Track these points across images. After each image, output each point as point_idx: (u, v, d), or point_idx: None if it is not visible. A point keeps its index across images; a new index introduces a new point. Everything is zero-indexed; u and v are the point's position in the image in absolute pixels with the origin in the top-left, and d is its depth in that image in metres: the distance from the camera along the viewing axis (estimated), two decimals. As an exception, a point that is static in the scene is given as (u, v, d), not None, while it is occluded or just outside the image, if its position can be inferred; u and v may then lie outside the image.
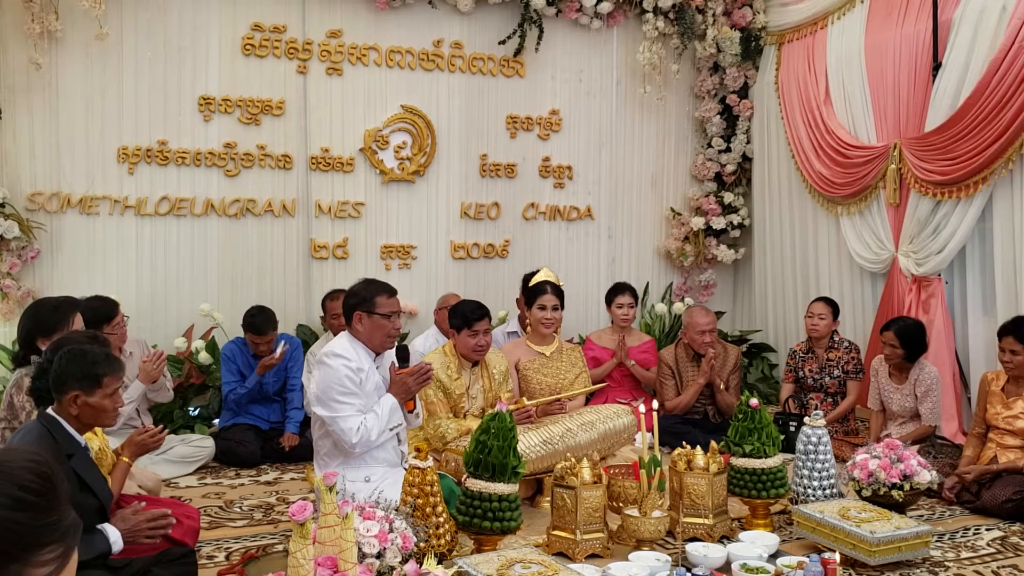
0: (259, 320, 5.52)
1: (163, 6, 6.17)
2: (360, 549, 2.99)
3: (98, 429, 3.56)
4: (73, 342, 3.22)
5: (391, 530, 3.14)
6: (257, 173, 6.48)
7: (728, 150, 7.71)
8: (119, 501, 3.47)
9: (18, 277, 5.79)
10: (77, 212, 6.05)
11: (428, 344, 5.80)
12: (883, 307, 6.18)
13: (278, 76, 6.51)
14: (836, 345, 5.78)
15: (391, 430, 3.93)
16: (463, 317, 4.49)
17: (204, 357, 6.05)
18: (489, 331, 4.59)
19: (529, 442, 4.30)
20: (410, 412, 4.08)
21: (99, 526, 2.93)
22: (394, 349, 4.07)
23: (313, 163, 6.61)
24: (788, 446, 4.72)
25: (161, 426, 3.69)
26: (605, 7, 7.19)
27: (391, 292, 4.01)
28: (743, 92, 7.66)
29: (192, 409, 5.97)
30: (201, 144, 6.34)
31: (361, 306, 3.95)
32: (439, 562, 3.22)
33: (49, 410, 2.98)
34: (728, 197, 7.71)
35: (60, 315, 4.07)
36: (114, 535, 2.91)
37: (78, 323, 4.11)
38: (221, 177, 6.40)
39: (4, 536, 1.18)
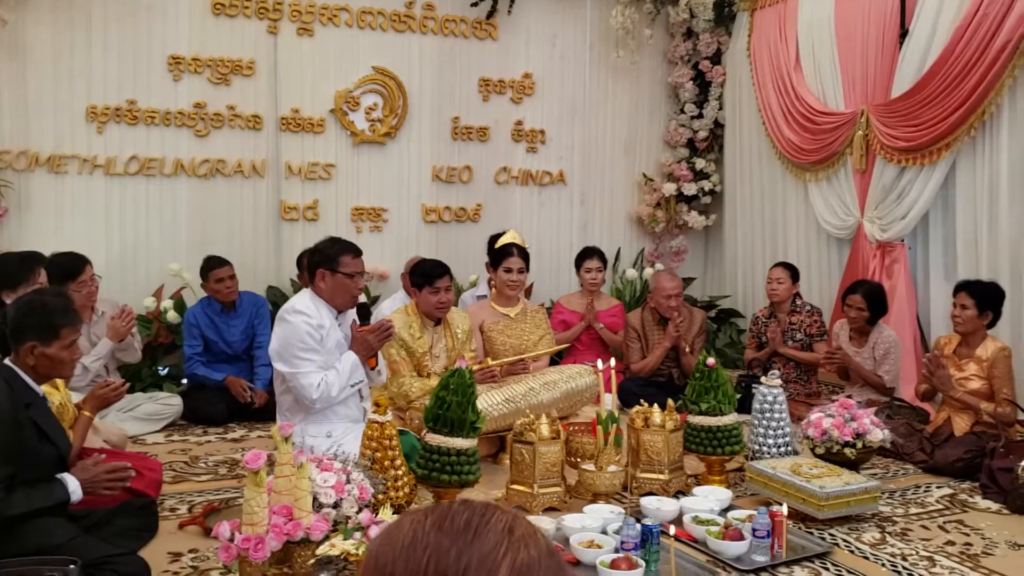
0: (212, 259, 5.62)
1: (131, -38, 6.12)
2: (317, 499, 3.04)
3: (60, 385, 3.60)
4: (38, 296, 3.24)
5: (348, 481, 3.19)
6: (227, 133, 6.46)
7: (700, 116, 7.74)
8: (81, 454, 3.51)
9: (-15, 235, 5.78)
10: (45, 171, 6.03)
11: (395, 306, 5.82)
12: (848, 272, 6.26)
13: (248, 36, 6.47)
14: (798, 309, 5.87)
15: (352, 386, 3.99)
16: (424, 275, 4.54)
17: (173, 316, 6.06)
18: (451, 288, 4.64)
19: (492, 400, 4.36)
20: (372, 369, 4.13)
21: (58, 475, 2.97)
22: (355, 307, 4.11)
23: (283, 124, 6.60)
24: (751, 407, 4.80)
25: (123, 380, 3.73)
26: (579, -30, 7.18)
27: (356, 252, 4.04)
28: (716, 58, 7.68)
29: (161, 368, 5.99)
30: (171, 104, 6.31)
31: (325, 264, 3.98)
32: (395, 513, 3.29)
33: (6, 361, 3.00)
34: (700, 163, 7.75)
35: (24, 269, 4.09)
36: (73, 484, 2.96)
37: (42, 278, 4.12)
38: (191, 137, 6.38)
39: None
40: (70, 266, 4.74)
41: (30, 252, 4.28)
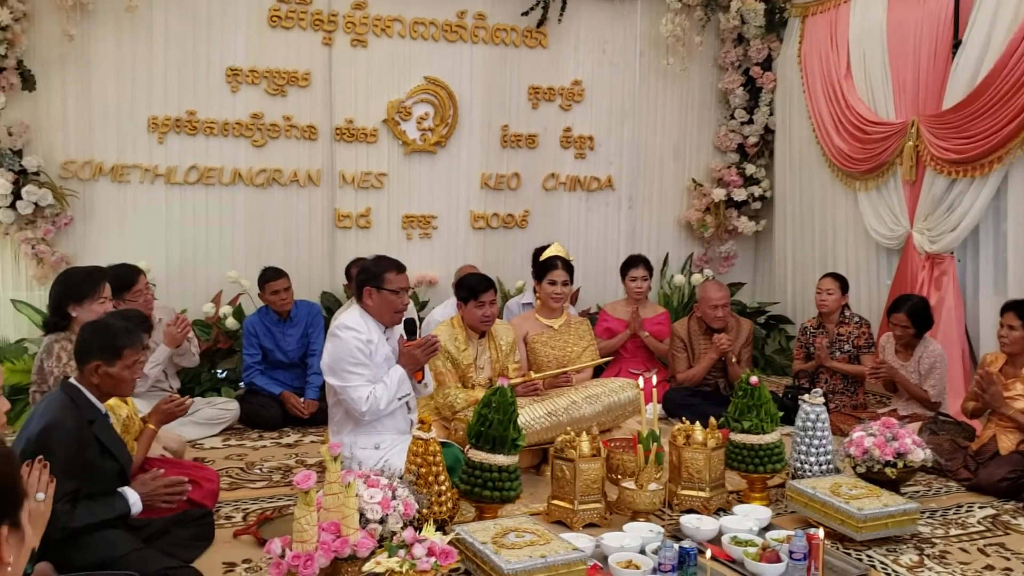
0: (268, 271, 5.83)
1: (191, -22, 6.31)
2: (364, 515, 3.17)
3: (128, 397, 3.79)
4: (104, 319, 3.43)
5: (394, 497, 3.31)
6: (283, 143, 6.65)
7: (751, 122, 7.73)
8: (144, 464, 3.70)
9: (52, 243, 6.03)
10: (108, 180, 6.27)
11: (447, 313, 5.93)
12: (897, 283, 6.22)
13: (304, 48, 6.64)
14: (847, 320, 5.86)
15: (399, 399, 4.11)
16: (469, 289, 4.65)
17: (231, 323, 6.27)
18: (495, 302, 4.74)
19: (534, 414, 4.46)
20: (419, 382, 4.25)
21: (119, 489, 3.14)
22: (403, 322, 4.24)
23: (337, 134, 6.76)
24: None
25: (188, 397, 3.92)
26: (629, -22, 7.21)
27: (400, 269, 4.17)
28: (767, 64, 7.66)
29: (219, 372, 6.21)
30: (229, 114, 6.51)
31: (371, 282, 4.12)
32: (440, 529, 3.41)
33: (71, 379, 3.18)
34: (750, 169, 7.74)
35: (90, 283, 4.24)
36: (133, 498, 3.13)
37: (106, 292, 4.31)
38: (248, 147, 6.57)
39: None
40: (125, 277, 4.90)
41: (94, 267, 4.46)
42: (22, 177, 5.85)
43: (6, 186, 5.75)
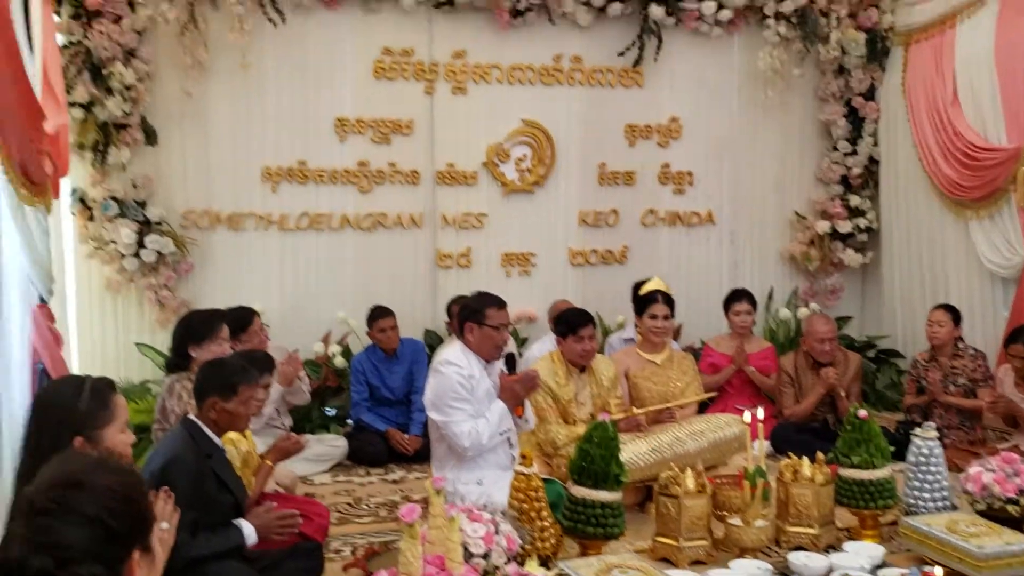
0: (376, 310, 6.03)
1: (301, 36, 6.62)
2: (467, 549, 3.22)
3: (248, 434, 3.97)
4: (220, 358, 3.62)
5: (497, 532, 3.36)
6: (388, 189, 6.88)
7: (854, 153, 7.59)
8: (259, 499, 3.85)
9: (173, 289, 6.36)
10: (226, 228, 6.59)
11: (544, 349, 5.98)
12: (1015, 313, 5.98)
13: (407, 97, 6.87)
14: (961, 353, 5.66)
15: (501, 434, 4.17)
16: (568, 323, 4.70)
17: (340, 361, 6.47)
18: (595, 337, 4.76)
19: (637, 449, 4.45)
20: (519, 417, 4.30)
21: (235, 521, 3.28)
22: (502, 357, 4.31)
23: (439, 178, 6.95)
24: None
25: (305, 436, 4.08)
26: (725, 15, 7.20)
27: (500, 305, 4.25)
28: (869, 94, 7.52)
29: (328, 410, 6.40)
30: (337, 162, 6.78)
31: (472, 317, 4.21)
32: (543, 564, 3.43)
33: (191, 415, 3.35)
34: (855, 200, 7.59)
35: (209, 325, 4.46)
36: (248, 529, 3.26)
37: (224, 333, 4.52)
38: (355, 193, 6.83)
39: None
40: (241, 319, 5.14)
41: (213, 310, 4.70)
42: (146, 227, 6.22)
43: (131, 235, 6.11)
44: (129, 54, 6.07)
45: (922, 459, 4.19)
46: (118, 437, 2.47)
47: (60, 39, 5.75)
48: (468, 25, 6.94)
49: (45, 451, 2.34)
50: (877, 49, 7.40)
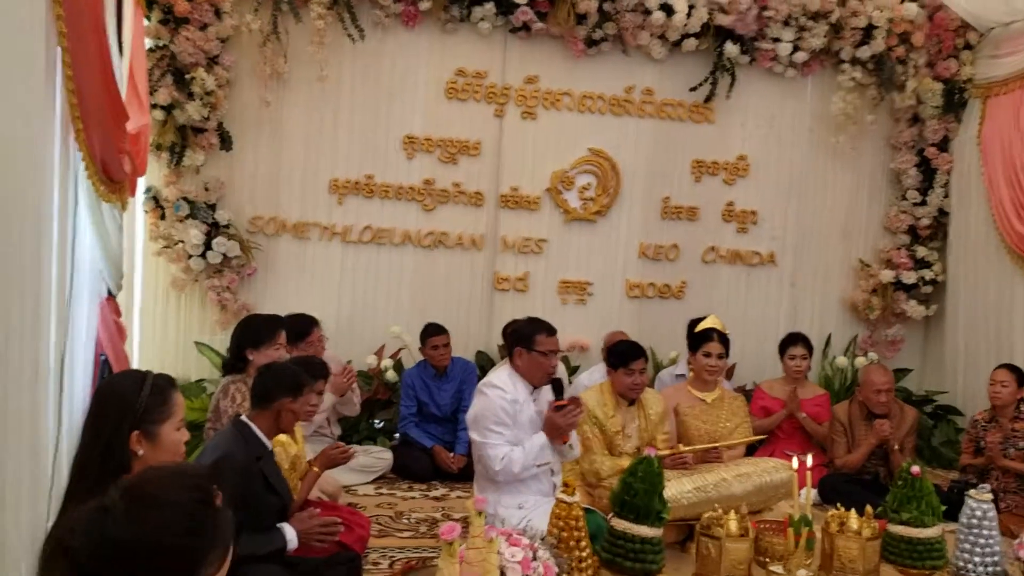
0: (431, 327, 6.10)
1: (378, 52, 6.75)
2: (504, 573, 3.22)
3: (299, 438, 4.03)
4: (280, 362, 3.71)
5: (535, 558, 3.35)
6: (451, 208, 6.95)
7: (923, 203, 7.46)
8: (303, 505, 3.90)
9: (235, 291, 6.50)
10: (291, 236, 6.72)
11: (594, 379, 5.98)
12: (1083, 380, 5.79)
13: (477, 119, 6.96)
14: (1022, 415, 5.50)
15: (537, 467, 4.15)
16: (620, 355, 4.68)
17: (391, 375, 6.53)
18: (645, 371, 4.74)
19: (681, 488, 4.40)
20: (564, 444, 4.29)
21: (279, 524, 3.33)
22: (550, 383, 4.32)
23: (502, 201, 7.01)
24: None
25: (352, 447, 4.14)
26: (800, 56, 7.16)
27: (551, 331, 4.26)
28: (943, 145, 7.39)
29: (376, 422, 6.46)
30: (403, 179, 6.87)
31: (522, 342, 4.23)
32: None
33: (243, 417, 3.42)
34: (921, 251, 7.45)
35: (268, 329, 4.54)
36: (291, 534, 3.31)
37: (282, 339, 4.60)
38: (419, 211, 6.91)
39: (181, 558, 1.47)
40: (300, 326, 5.23)
41: (273, 315, 4.79)
42: (214, 229, 6.37)
43: (199, 236, 6.27)
44: (212, 61, 6.25)
45: (975, 521, 4.08)
46: (174, 435, 2.53)
47: (148, 43, 5.95)
48: (542, 51, 7.00)
49: (103, 441, 2.41)
50: (954, 100, 7.29)
